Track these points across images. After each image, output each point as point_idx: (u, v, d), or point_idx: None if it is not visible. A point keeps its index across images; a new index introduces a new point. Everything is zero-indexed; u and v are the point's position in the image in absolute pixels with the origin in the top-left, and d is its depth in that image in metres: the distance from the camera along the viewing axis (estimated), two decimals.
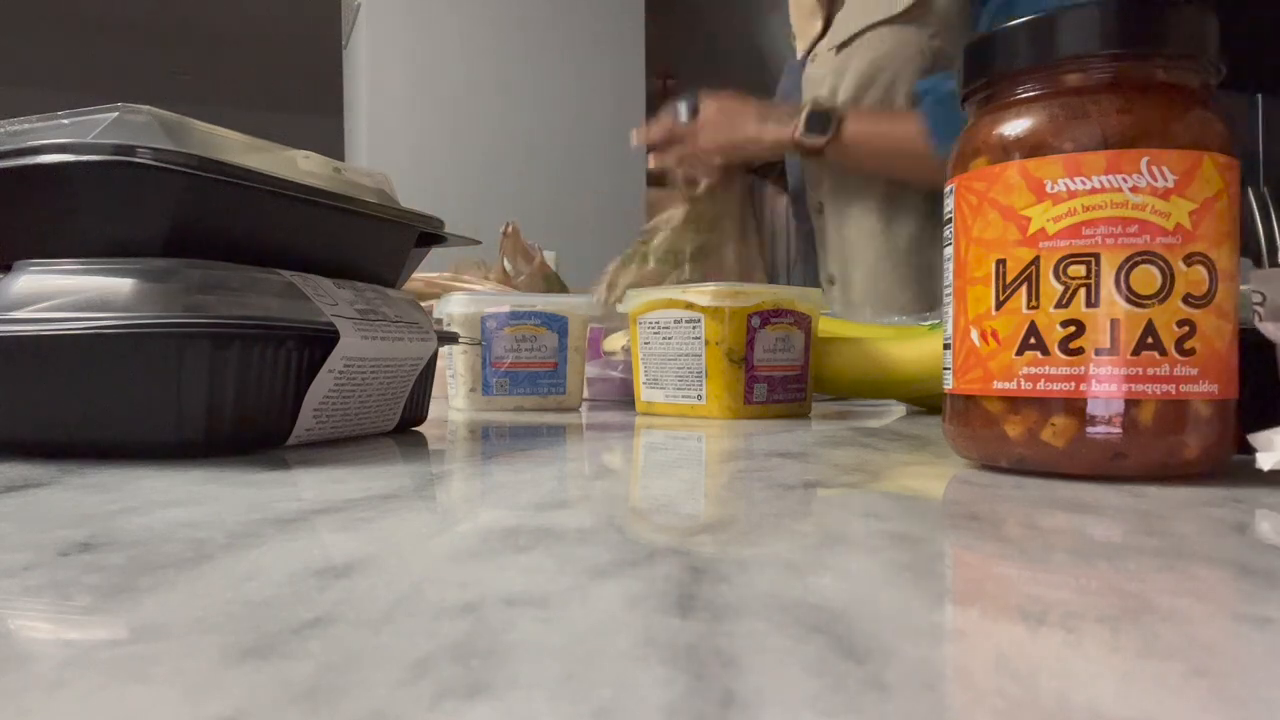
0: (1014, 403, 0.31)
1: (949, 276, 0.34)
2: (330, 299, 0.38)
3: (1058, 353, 0.30)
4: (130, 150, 0.33)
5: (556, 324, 0.66)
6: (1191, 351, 0.29)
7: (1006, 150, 0.31)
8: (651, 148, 0.93)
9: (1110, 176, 0.29)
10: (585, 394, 0.75)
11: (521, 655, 0.13)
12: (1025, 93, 0.31)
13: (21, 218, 0.35)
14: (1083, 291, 0.30)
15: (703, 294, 0.57)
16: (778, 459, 0.36)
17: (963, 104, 0.35)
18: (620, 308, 0.64)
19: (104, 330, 0.32)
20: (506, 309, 0.65)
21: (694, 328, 0.58)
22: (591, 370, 0.75)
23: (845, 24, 0.93)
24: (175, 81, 4.79)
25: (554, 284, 1.01)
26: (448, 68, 2.34)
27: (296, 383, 0.37)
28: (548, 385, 0.66)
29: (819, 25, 0.97)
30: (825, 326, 0.68)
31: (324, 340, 0.37)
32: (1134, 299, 0.29)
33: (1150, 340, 0.29)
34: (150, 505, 0.24)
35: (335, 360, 0.37)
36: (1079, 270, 0.30)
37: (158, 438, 0.34)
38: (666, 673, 0.12)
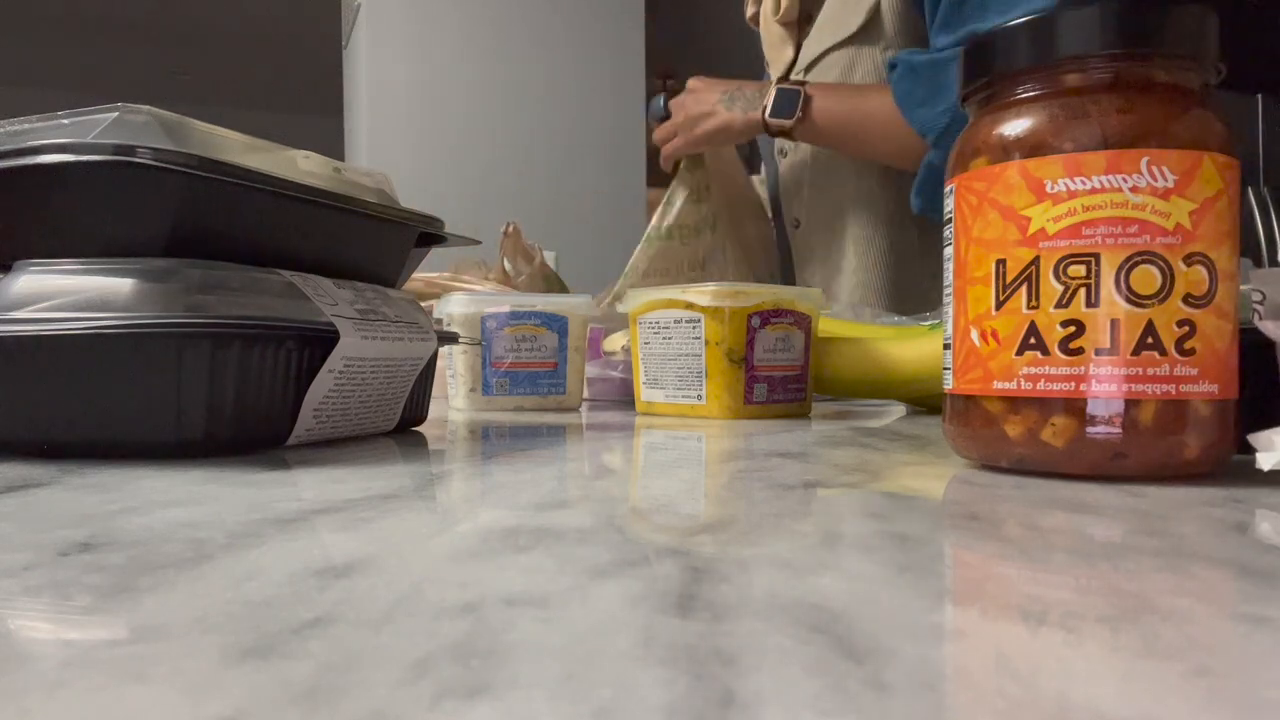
0: (1014, 403, 0.31)
1: (949, 276, 0.34)
2: (330, 299, 0.38)
3: (1058, 353, 0.30)
4: (130, 150, 0.33)
5: (556, 324, 0.66)
6: (1191, 351, 0.29)
7: (1006, 150, 0.31)
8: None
9: (1110, 176, 0.29)
10: (585, 394, 0.75)
11: (521, 655, 0.13)
12: (1025, 93, 0.31)
13: (21, 218, 0.35)
14: (1083, 291, 0.30)
15: (703, 294, 0.57)
16: (778, 459, 0.36)
17: (963, 104, 0.35)
18: (620, 308, 0.64)
19: (104, 330, 0.32)
20: (506, 309, 0.65)
21: (694, 328, 0.58)
22: (591, 370, 0.75)
23: (809, 49, 0.97)
24: (175, 81, 4.79)
25: (554, 284, 1.01)
26: (448, 68, 2.34)
27: (296, 383, 0.37)
28: (548, 385, 0.66)
29: (790, 53, 1.00)
30: (825, 326, 0.69)
31: (324, 340, 0.37)
32: (1134, 299, 0.29)
33: (1150, 340, 0.29)
34: (150, 505, 0.24)
35: (335, 360, 0.37)
36: (1079, 270, 0.30)
37: (158, 438, 0.34)
38: (666, 673, 0.12)
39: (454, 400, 0.67)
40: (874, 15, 0.89)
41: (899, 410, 0.67)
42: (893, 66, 0.83)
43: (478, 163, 2.36)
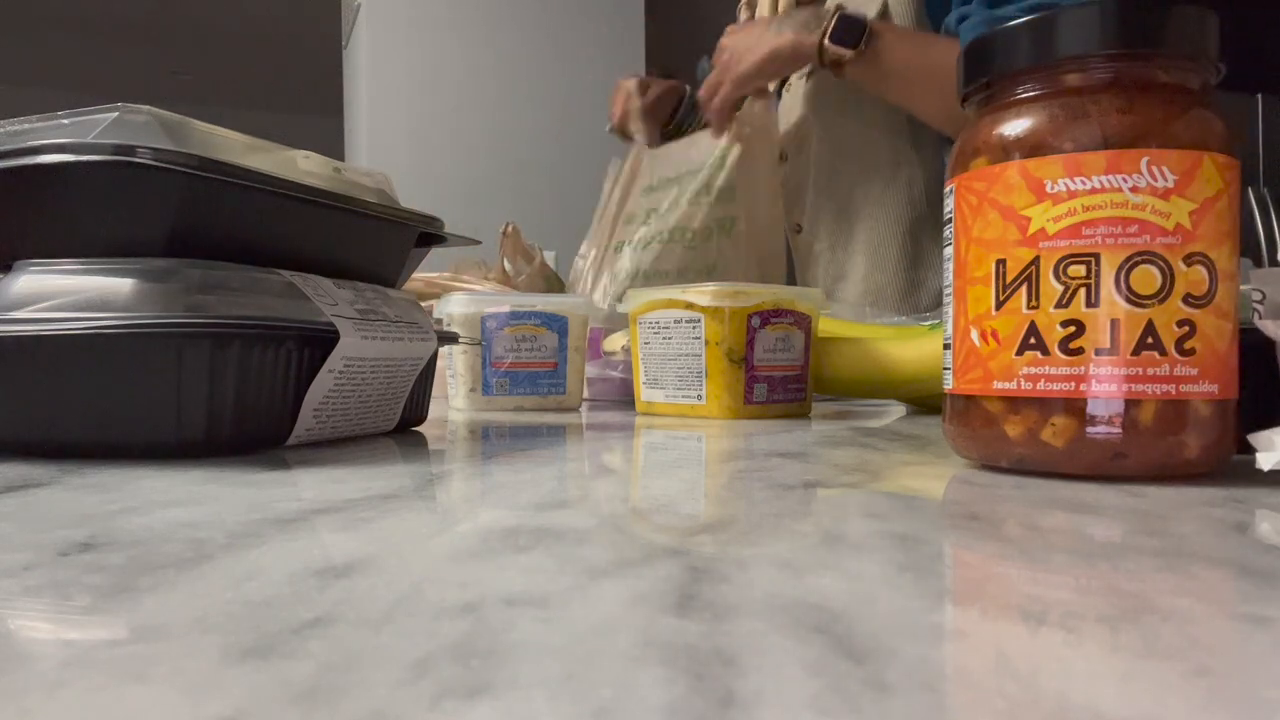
0: (1014, 403, 0.31)
1: (949, 276, 0.34)
2: (330, 299, 0.38)
3: (1058, 353, 0.30)
4: (130, 150, 0.33)
5: (556, 324, 0.66)
6: (1191, 351, 0.29)
7: (1006, 150, 0.31)
8: (621, 125, 0.93)
9: (1110, 176, 0.29)
10: (585, 394, 0.75)
11: (521, 655, 0.13)
12: (1025, 93, 0.31)
13: (21, 218, 0.35)
14: (1083, 291, 0.30)
15: (703, 294, 0.57)
16: (778, 459, 0.36)
17: (963, 104, 0.35)
18: (620, 307, 0.64)
19: (104, 330, 0.32)
20: (506, 309, 0.65)
21: (694, 328, 0.58)
22: (591, 370, 0.75)
23: None
24: (175, 81, 4.79)
25: (554, 284, 1.01)
26: (448, 68, 2.34)
27: (296, 383, 0.37)
28: (548, 385, 0.66)
29: None
30: (825, 326, 0.68)
31: (324, 340, 0.37)
32: (1134, 299, 0.29)
33: (1150, 340, 0.29)
34: (150, 505, 0.24)
35: (335, 360, 0.37)
36: (1079, 270, 0.30)
37: (158, 438, 0.34)
38: (666, 673, 0.12)
39: (454, 400, 0.67)
40: (883, 14, 0.87)
41: (899, 410, 0.67)
42: (961, 19, 0.78)
43: (477, 163, 2.36)
